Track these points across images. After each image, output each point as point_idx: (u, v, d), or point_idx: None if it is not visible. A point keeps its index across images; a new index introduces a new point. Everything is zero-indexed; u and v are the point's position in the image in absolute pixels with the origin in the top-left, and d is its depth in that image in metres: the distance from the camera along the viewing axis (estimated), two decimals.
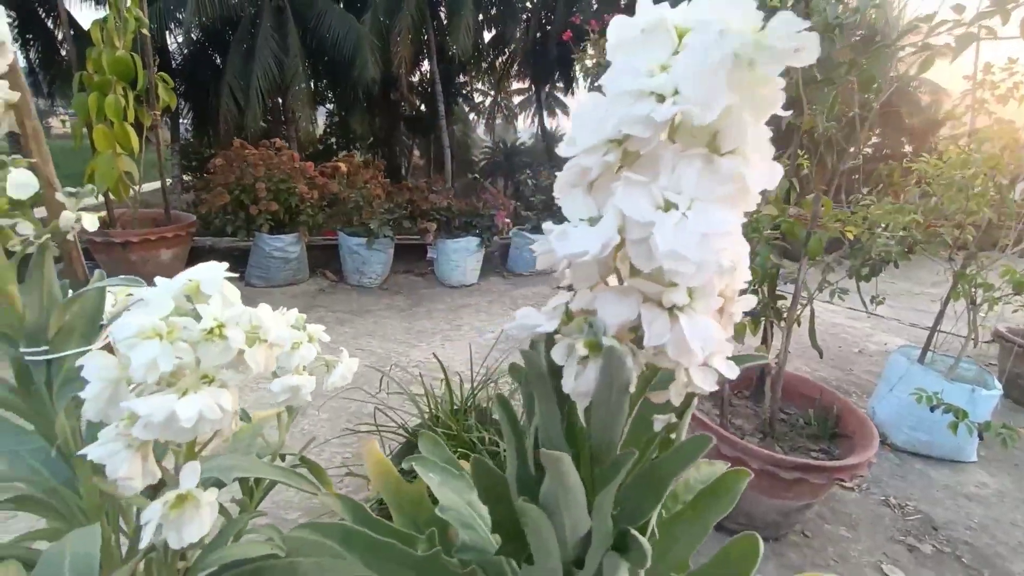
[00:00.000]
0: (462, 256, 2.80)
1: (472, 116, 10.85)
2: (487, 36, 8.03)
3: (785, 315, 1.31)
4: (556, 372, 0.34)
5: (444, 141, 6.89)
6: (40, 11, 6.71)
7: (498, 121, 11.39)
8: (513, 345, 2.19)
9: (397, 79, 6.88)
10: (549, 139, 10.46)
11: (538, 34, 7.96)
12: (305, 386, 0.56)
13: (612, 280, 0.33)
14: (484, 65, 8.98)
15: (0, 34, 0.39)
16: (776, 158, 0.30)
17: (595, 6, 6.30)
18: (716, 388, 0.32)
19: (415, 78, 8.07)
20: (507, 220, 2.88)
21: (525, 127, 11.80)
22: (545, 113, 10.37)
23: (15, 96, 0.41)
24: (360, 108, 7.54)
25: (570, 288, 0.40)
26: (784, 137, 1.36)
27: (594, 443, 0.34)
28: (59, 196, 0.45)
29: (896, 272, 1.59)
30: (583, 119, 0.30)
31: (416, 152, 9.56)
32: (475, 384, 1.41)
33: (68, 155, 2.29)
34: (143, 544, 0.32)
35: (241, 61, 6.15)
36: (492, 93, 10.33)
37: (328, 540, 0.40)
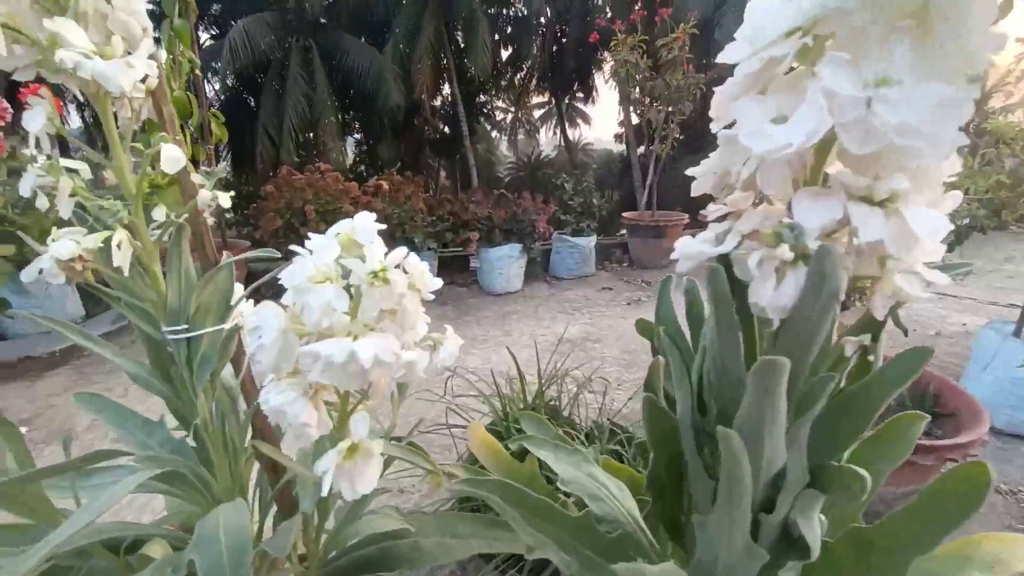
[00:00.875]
0: (505, 263, 2.80)
1: (494, 133, 11.02)
2: (504, 54, 8.19)
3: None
4: (737, 294, 0.32)
5: (469, 160, 7.01)
6: None
7: (520, 136, 11.53)
8: (568, 348, 2.16)
9: (420, 104, 7.10)
10: (572, 149, 10.50)
11: (554, 47, 8.07)
12: (420, 361, 0.56)
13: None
14: (503, 83, 9.14)
15: (142, 20, 0.41)
16: None
17: (609, 14, 6.35)
18: (924, 296, 0.29)
19: (437, 102, 8.30)
20: (548, 225, 2.88)
21: (547, 140, 11.88)
22: (567, 124, 10.44)
23: (155, 82, 0.43)
24: (386, 135, 7.79)
25: (721, 220, 0.38)
26: None
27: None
28: (194, 177, 0.46)
29: (964, 250, 1.48)
30: (763, 13, 0.28)
31: (443, 173, 9.76)
32: (542, 382, 1.38)
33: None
34: (324, 492, 0.32)
35: (274, 101, 6.49)
36: (512, 109, 10.49)
37: (491, 495, 0.38)
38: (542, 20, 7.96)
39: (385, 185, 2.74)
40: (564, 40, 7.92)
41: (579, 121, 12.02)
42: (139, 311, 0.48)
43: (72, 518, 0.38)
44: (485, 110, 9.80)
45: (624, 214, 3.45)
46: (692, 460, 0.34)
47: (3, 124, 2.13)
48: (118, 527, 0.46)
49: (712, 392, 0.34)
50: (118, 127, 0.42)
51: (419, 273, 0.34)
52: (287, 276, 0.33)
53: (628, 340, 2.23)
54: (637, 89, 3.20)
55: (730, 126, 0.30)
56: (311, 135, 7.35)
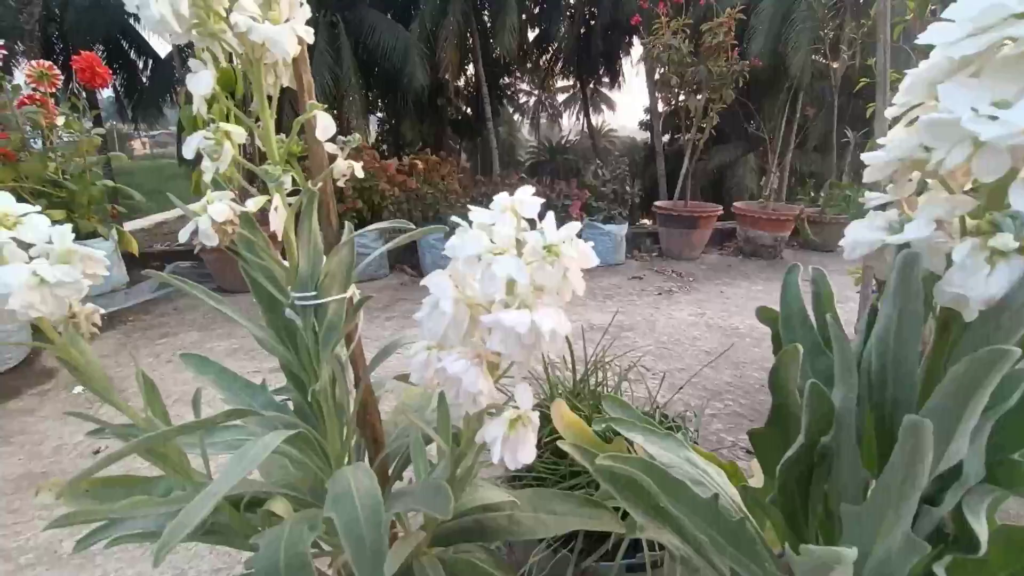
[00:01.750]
0: None
1: (517, 116, 10.89)
2: (531, 35, 8.03)
3: None
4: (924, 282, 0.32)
5: (491, 143, 6.95)
6: (123, 43, 7.33)
7: (543, 120, 11.38)
8: (600, 336, 2.16)
9: (444, 84, 7.02)
10: (595, 135, 10.34)
11: (582, 30, 7.89)
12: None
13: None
14: (528, 65, 8.98)
15: None
16: None
17: None
18: None
19: (461, 82, 8.20)
20: (581, 212, 2.85)
21: (570, 125, 11.70)
22: (590, 109, 10.26)
23: (297, 50, 0.43)
24: (409, 115, 7.74)
25: (883, 208, 0.37)
26: None
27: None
28: (329, 147, 0.47)
29: None
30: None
31: (463, 155, 9.71)
32: (587, 367, 1.39)
33: (146, 172, 2.49)
34: (495, 459, 0.32)
35: None
36: (536, 92, 10.33)
37: (633, 469, 0.39)
38: (571, 1, 7.77)
39: (420, 164, 2.73)
40: (593, 23, 7.73)
41: (603, 107, 11.80)
42: (268, 275, 0.49)
43: (225, 473, 0.40)
44: (508, 92, 9.66)
45: (656, 203, 3.41)
46: (847, 451, 0.34)
47: (54, 90, 2.16)
48: (244, 484, 0.48)
49: (877, 384, 0.34)
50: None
51: (582, 250, 0.35)
52: (457, 247, 0.33)
53: (661, 330, 2.23)
54: (675, 76, 3.12)
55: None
56: (335, 112, 7.32)
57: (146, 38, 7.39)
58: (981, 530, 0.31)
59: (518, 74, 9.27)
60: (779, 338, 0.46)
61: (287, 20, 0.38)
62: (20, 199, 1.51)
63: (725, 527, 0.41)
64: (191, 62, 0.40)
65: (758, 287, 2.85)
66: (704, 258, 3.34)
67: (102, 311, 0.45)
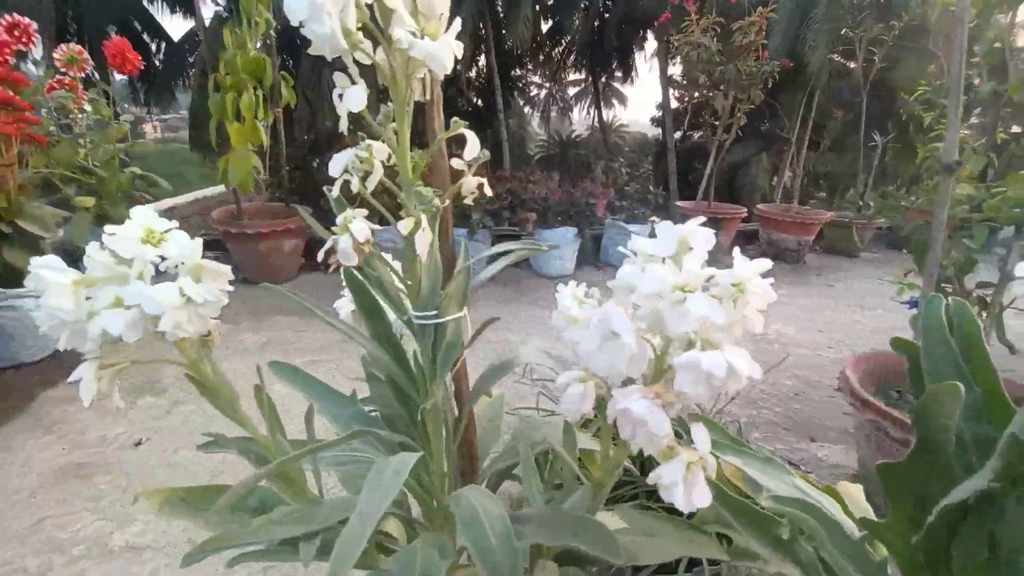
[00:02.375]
0: (561, 246, 2.78)
1: (527, 109, 10.78)
2: (544, 27, 7.93)
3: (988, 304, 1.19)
4: None
5: (502, 135, 6.88)
6: (137, 25, 7.26)
7: (553, 114, 11.27)
8: None
9: (456, 75, 6.94)
10: (606, 130, 10.25)
11: (596, 23, 7.79)
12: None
13: None
14: (541, 57, 8.88)
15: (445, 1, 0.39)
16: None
17: None
18: None
19: (472, 73, 8.11)
20: (605, 210, 2.83)
21: (580, 119, 11.61)
22: (602, 103, 10.15)
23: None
24: (419, 105, 7.66)
25: None
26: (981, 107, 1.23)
27: None
28: (455, 162, 0.45)
29: None
30: None
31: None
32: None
33: (158, 157, 2.46)
34: (679, 502, 0.31)
35: (311, 63, 6.41)
36: (547, 85, 10.22)
37: (796, 511, 0.38)
38: None
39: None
40: (607, 16, 7.64)
41: (615, 102, 11.71)
42: (383, 292, 0.47)
43: (367, 503, 0.38)
44: (520, 84, 9.57)
45: (679, 203, 3.38)
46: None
47: (83, 75, 2.14)
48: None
49: None
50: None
51: (764, 287, 0.33)
52: (636, 280, 0.32)
53: None
54: (703, 75, 3.07)
55: None
56: None
57: (160, 21, 7.32)
58: None
59: (530, 66, 9.17)
60: (919, 368, 0.45)
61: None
62: (51, 185, 1.50)
63: (868, 567, 0.40)
64: (336, 76, 0.38)
65: (782, 291, 2.83)
66: (725, 261, 3.31)
67: (218, 326, 0.44)
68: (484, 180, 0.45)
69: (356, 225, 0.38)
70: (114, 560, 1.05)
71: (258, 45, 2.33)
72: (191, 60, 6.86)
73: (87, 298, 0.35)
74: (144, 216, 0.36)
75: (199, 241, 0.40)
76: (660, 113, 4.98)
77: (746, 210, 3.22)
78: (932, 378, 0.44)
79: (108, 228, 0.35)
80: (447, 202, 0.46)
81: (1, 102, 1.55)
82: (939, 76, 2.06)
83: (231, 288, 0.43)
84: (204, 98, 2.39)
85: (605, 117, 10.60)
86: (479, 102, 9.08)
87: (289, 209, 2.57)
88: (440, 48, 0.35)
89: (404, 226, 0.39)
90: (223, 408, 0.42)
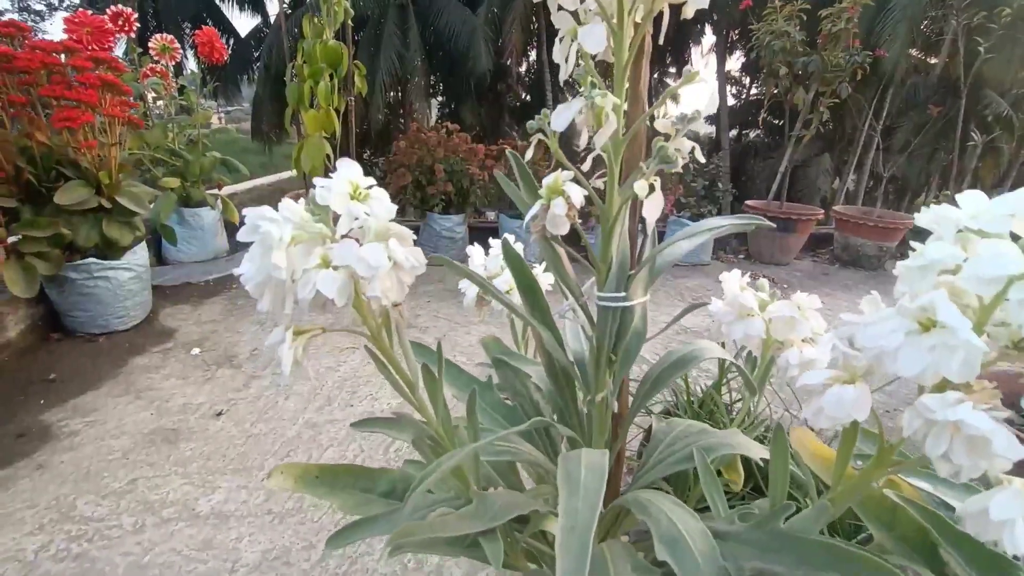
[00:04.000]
0: None
1: None
2: None
3: None
4: None
5: (548, 132, 6.79)
6: (209, 20, 7.63)
7: None
8: (690, 338, 2.05)
9: (506, 69, 6.90)
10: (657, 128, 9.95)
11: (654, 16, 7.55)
12: None
13: None
14: None
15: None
16: None
17: None
18: None
19: (522, 68, 8.05)
20: (671, 207, 2.72)
21: None
22: (654, 99, 9.86)
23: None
24: (470, 99, 7.70)
25: None
26: None
27: None
28: (658, 124, 0.40)
29: None
30: None
31: (519, 143, 9.58)
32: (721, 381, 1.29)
33: (221, 146, 2.55)
34: (996, 543, 0.25)
35: (367, 58, 6.54)
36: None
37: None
38: None
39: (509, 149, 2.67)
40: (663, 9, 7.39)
41: (667, 99, 11.34)
42: (561, 271, 0.43)
43: (567, 505, 0.34)
44: (570, 80, 9.42)
45: (748, 202, 3.21)
46: None
47: (175, 62, 2.23)
48: (525, 503, 0.43)
49: None
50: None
51: None
52: (962, 262, 0.25)
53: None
54: (784, 66, 2.89)
55: None
56: (395, 94, 7.38)
57: (228, 17, 7.68)
58: None
59: (581, 62, 9.02)
60: None
61: None
62: (142, 166, 1.54)
63: None
64: (557, 17, 0.33)
65: (859, 301, 2.64)
66: (796, 264, 3.12)
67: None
68: (696, 145, 0.40)
69: (572, 188, 0.34)
70: (202, 525, 1.07)
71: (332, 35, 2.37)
72: (256, 55, 7.14)
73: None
74: (351, 170, 0.33)
75: (391, 203, 0.37)
76: (715, 111, 4.77)
77: (823, 211, 3.02)
78: None
79: (318, 181, 0.32)
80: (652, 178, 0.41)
81: (107, 85, 1.62)
82: None
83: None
84: (266, 91, 2.45)
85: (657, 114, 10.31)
86: (528, 97, 9.03)
87: None
88: None
89: (640, 187, 0.34)
90: (396, 385, 0.39)
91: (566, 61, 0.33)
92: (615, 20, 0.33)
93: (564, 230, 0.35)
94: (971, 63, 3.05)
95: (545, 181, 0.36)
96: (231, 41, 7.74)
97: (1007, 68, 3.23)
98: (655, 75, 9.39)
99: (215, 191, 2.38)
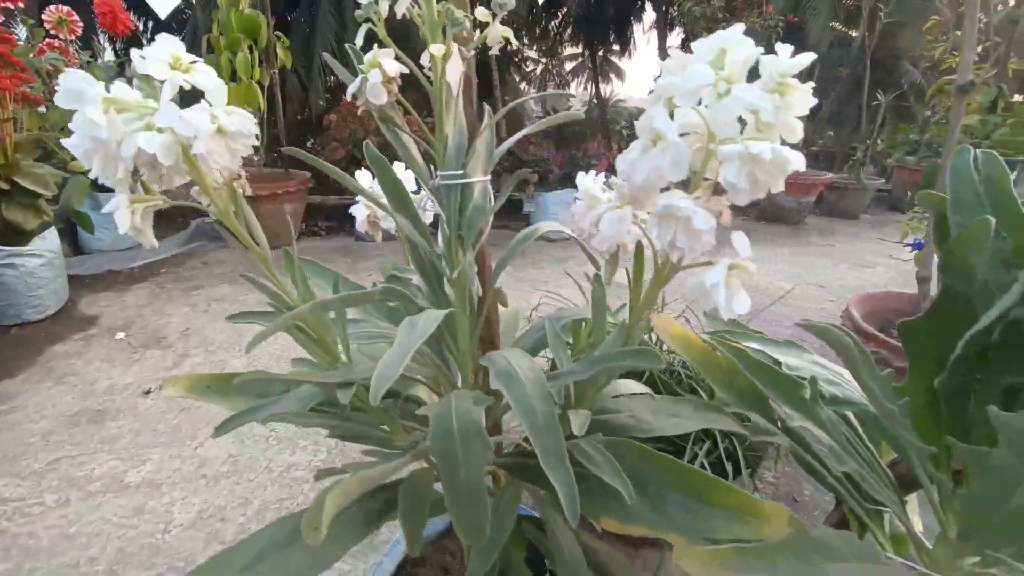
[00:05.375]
0: (561, 208, 2.76)
1: (523, 85, 10.61)
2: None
3: None
4: None
5: (498, 111, 6.78)
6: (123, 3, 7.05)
7: (550, 89, 11.09)
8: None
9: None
10: (604, 105, 10.11)
11: None
12: None
13: None
14: (537, 31, 8.70)
15: None
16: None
17: None
18: None
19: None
20: (609, 171, 2.81)
21: (578, 94, 11.44)
22: (599, 78, 9.99)
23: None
24: (414, 80, 7.53)
25: None
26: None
27: None
28: (480, 12, 0.44)
29: None
30: None
31: None
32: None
33: None
34: (721, 303, 0.31)
35: (302, 40, 6.27)
36: (544, 60, 10.04)
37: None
38: None
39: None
40: None
41: (612, 76, 11.53)
42: (408, 156, 0.47)
43: (401, 342, 0.39)
44: (515, 60, 9.39)
45: None
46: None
47: (74, 37, 2.09)
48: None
49: None
50: None
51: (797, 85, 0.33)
52: (677, 80, 0.31)
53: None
54: (705, 32, 3.02)
55: None
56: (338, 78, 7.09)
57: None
58: None
59: (526, 40, 9.00)
60: (945, 223, 0.45)
61: None
62: (45, 149, 1.47)
63: (886, 412, 0.41)
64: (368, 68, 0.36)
65: (784, 251, 2.84)
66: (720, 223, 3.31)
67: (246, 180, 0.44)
68: (511, 31, 0.44)
69: (387, 61, 0.37)
70: (133, 495, 1.06)
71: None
72: (180, 39, 6.68)
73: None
74: (169, 43, 0.35)
75: (222, 84, 0.39)
76: None
77: None
78: (959, 228, 0.44)
79: (134, 52, 0.34)
80: (471, 54, 0.45)
81: None
82: (942, 32, 2.03)
83: (226, 248, 0.43)
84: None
85: (603, 92, 10.47)
86: (473, 78, 8.85)
87: (287, 174, 2.54)
88: None
89: (437, 48, 0.38)
90: (253, 262, 0.42)
91: None
92: None
93: (383, 100, 0.39)
94: (875, 28, 3.29)
95: (366, 57, 0.39)
96: (149, 24, 7.20)
97: (917, 39, 3.51)
98: (601, 52, 9.52)
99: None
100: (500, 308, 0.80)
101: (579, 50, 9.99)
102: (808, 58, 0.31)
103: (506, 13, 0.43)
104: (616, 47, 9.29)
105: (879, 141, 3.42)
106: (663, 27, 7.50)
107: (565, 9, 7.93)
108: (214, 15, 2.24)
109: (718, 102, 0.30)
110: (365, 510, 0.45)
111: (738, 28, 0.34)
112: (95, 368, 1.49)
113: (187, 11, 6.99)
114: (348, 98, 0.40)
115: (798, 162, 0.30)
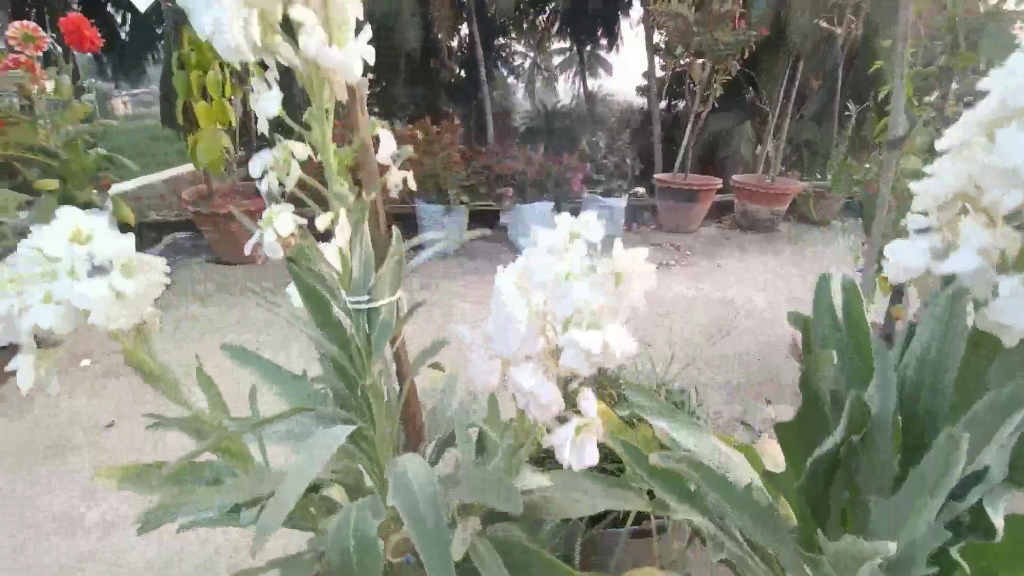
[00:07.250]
0: (538, 221, 2.80)
1: (511, 80, 10.52)
2: None
3: None
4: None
5: (486, 107, 6.74)
6: None
7: (538, 84, 11.02)
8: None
9: (437, 45, 6.73)
10: (592, 100, 10.08)
11: None
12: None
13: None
14: (524, 25, 8.62)
15: (356, 6, 0.40)
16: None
17: None
18: None
19: (454, 43, 7.87)
20: (582, 184, 2.84)
21: (565, 89, 11.35)
22: (587, 73, 9.94)
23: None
24: (400, 78, 7.46)
25: (924, 231, 0.39)
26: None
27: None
28: (379, 158, 0.47)
29: None
30: None
31: (456, 120, 9.40)
32: None
33: (129, 134, 2.38)
34: (566, 460, 0.35)
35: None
36: (531, 55, 9.96)
37: (687, 468, 0.42)
38: None
39: (420, 134, 2.68)
40: None
41: (600, 70, 11.46)
42: (321, 281, 0.50)
43: (299, 467, 0.42)
44: (503, 54, 9.30)
45: (656, 176, 3.39)
46: (883, 450, 0.38)
47: (40, 54, 2.06)
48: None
49: (911, 394, 0.37)
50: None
51: (646, 273, 0.36)
52: (534, 267, 0.35)
53: (660, 304, 2.27)
54: (679, 45, 3.04)
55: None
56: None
57: None
58: (999, 521, 0.35)
59: (513, 35, 8.91)
60: (809, 340, 0.49)
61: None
62: (8, 168, 1.46)
63: (757, 514, 0.45)
64: (253, 82, 0.39)
65: (755, 260, 2.90)
66: (701, 231, 3.36)
67: (160, 314, 0.47)
68: (409, 174, 0.48)
69: (280, 220, 0.41)
70: (87, 536, 1.09)
71: None
72: (159, 32, 6.53)
73: (20, 293, 0.37)
74: (71, 215, 0.38)
75: (130, 237, 0.42)
76: (646, 82, 4.92)
77: (720, 181, 3.25)
78: (818, 348, 0.48)
79: (34, 228, 0.37)
80: (374, 194, 0.49)
81: None
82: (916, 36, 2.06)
83: (199, 264, 0.46)
84: (172, 73, 2.31)
85: (590, 86, 10.41)
86: (461, 73, 8.81)
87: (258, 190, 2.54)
88: (348, 57, 0.36)
89: (322, 221, 0.41)
90: (167, 392, 0.45)
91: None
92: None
93: (279, 255, 0.42)
94: (848, 38, 3.32)
95: (263, 216, 0.42)
96: (128, 16, 7.02)
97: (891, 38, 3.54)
98: (588, 47, 9.46)
99: (106, 191, 2.25)
100: (435, 372, 0.83)
101: (567, 45, 9.92)
102: (643, 254, 0.35)
103: (405, 158, 0.46)
104: (604, 42, 9.23)
105: (846, 156, 3.48)
106: (650, 23, 7.47)
107: (552, 3, 7.85)
108: (183, 30, 2.22)
109: (562, 296, 0.34)
110: None
111: (592, 215, 0.37)
112: (57, 400, 1.50)
113: (168, 2, 6.84)
114: (247, 250, 0.43)
115: (628, 350, 0.34)
